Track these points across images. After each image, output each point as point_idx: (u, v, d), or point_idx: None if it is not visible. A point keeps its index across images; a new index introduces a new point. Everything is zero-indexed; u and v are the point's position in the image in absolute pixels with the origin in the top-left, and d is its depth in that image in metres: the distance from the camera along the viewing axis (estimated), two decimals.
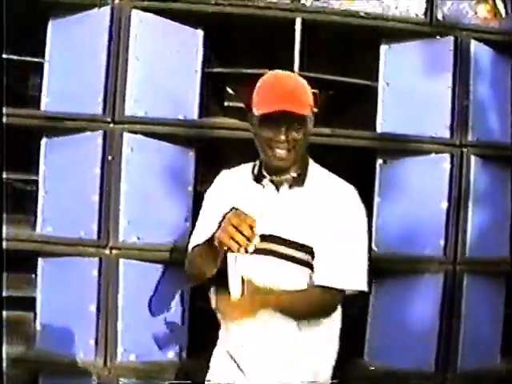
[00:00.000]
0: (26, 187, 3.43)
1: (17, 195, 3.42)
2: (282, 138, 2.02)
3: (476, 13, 3.20)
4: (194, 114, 3.24)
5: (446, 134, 3.22)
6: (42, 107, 3.20)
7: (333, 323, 2.16)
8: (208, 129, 3.22)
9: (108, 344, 3.13)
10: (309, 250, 2.05)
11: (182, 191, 3.24)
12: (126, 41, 3.10)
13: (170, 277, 3.17)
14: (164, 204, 3.19)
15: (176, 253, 3.12)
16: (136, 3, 3.10)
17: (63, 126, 3.13)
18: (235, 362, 2.14)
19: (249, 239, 1.82)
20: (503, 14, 3.23)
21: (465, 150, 3.21)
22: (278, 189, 2.11)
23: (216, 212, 2.01)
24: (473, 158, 3.22)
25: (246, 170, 2.20)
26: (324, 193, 2.10)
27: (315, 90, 2.11)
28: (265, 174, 2.12)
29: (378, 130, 3.26)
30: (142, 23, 3.12)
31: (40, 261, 3.22)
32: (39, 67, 3.23)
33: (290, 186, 2.10)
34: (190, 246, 2.20)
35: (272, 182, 2.11)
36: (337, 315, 2.17)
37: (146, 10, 3.12)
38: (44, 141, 3.21)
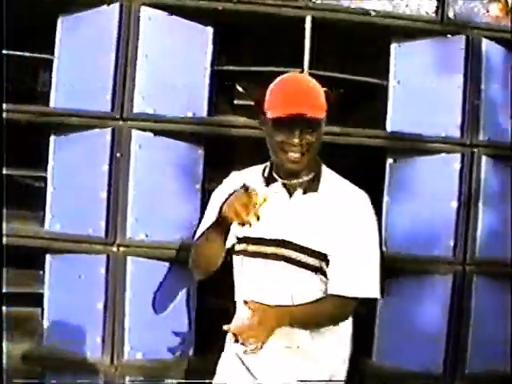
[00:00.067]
0: (35, 184, 3.43)
1: (25, 192, 3.43)
2: (296, 141, 2.00)
3: (488, 11, 3.17)
4: (203, 111, 3.23)
5: (457, 134, 3.20)
6: (51, 104, 3.19)
7: (344, 327, 2.15)
8: (217, 126, 3.21)
9: (115, 342, 3.12)
10: (322, 257, 2.04)
11: (191, 189, 3.23)
12: (134, 38, 3.09)
13: (177, 275, 3.16)
14: (172, 202, 3.18)
15: (184, 251, 3.11)
16: (145, 0, 3.09)
17: (72, 122, 3.13)
18: (244, 365, 2.12)
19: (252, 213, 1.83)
20: None
21: (475, 149, 3.19)
22: (290, 193, 2.09)
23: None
24: (483, 158, 3.19)
25: (256, 172, 2.18)
26: (337, 199, 2.08)
27: (326, 89, 2.09)
28: (276, 177, 2.10)
29: (388, 128, 3.23)
30: (151, 20, 3.11)
31: (48, 257, 3.21)
32: (49, 64, 3.22)
33: (304, 191, 2.08)
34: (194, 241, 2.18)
35: (284, 186, 2.09)
36: (348, 319, 2.17)
37: (155, 6, 3.10)
38: (53, 137, 3.20)
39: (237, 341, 1.95)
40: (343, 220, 2.05)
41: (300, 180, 2.08)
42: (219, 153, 3.32)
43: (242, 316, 1.95)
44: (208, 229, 2.05)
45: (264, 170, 2.16)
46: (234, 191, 1.91)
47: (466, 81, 3.18)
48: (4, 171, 2.90)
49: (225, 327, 1.98)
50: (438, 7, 3.14)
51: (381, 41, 3.23)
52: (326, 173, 2.13)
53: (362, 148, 3.20)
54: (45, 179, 3.21)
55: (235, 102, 3.65)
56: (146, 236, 3.16)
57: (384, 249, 3.11)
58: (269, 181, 2.11)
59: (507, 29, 3.19)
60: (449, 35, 3.17)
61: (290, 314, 2.02)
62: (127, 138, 3.13)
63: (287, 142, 2.01)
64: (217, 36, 3.24)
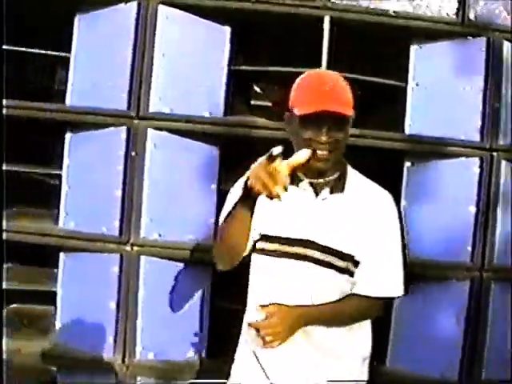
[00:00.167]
0: (50, 181, 3.44)
1: (40, 189, 3.44)
2: (324, 138, 1.95)
3: (509, 13, 3.13)
4: (219, 111, 3.21)
5: (476, 138, 3.16)
6: (67, 102, 3.19)
7: (365, 326, 2.13)
8: (233, 127, 3.20)
9: (127, 342, 3.13)
10: (348, 258, 2.01)
11: (206, 189, 3.22)
12: (151, 36, 3.09)
13: (190, 275, 3.15)
14: (187, 201, 3.17)
15: (197, 251, 3.10)
16: None
17: (87, 120, 3.13)
18: (260, 363, 2.10)
19: (281, 184, 1.72)
20: None
21: (495, 154, 3.15)
22: (316, 192, 2.06)
23: None
24: (503, 163, 3.15)
25: None
26: (363, 199, 2.05)
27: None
28: (300, 175, 2.07)
29: (407, 131, 3.21)
30: (168, 19, 3.10)
31: (62, 255, 3.22)
32: (66, 62, 3.22)
33: (331, 191, 2.05)
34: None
35: (311, 184, 2.07)
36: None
37: (172, 5, 3.10)
38: (68, 135, 3.21)
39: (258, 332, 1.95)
40: (369, 220, 2.03)
41: (327, 179, 2.04)
42: (235, 153, 3.30)
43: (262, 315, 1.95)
44: (233, 208, 1.96)
45: None
46: (259, 162, 1.82)
47: (487, 84, 3.13)
48: (17, 168, 2.91)
49: (248, 323, 1.98)
50: (458, 9, 3.10)
51: (400, 42, 3.19)
52: (352, 173, 2.10)
53: (379, 151, 3.16)
54: (60, 177, 3.22)
55: (252, 102, 3.64)
56: (160, 236, 3.15)
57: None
58: (294, 179, 2.07)
59: None
60: (469, 37, 3.13)
61: (311, 313, 2.00)
62: (143, 136, 3.12)
63: (315, 139, 1.96)
64: (234, 36, 3.23)
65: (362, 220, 2.02)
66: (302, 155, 1.81)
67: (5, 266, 3.45)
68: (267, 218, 1.99)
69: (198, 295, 3.18)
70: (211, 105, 3.19)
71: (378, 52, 3.26)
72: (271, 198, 1.74)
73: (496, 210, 3.15)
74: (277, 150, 1.74)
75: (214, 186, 3.23)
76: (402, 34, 3.16)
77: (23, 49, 3.22)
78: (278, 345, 1.95)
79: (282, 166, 1.73)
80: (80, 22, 3.16)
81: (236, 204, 1.90)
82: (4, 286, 3.21)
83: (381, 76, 3.18)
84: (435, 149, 3.17)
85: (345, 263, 2.01)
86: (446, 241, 3.14)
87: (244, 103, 3.56)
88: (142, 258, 3.14)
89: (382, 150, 3.17)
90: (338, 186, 2.05)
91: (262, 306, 1.95)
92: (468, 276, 3.16)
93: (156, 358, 3.14)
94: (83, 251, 3.16)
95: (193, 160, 3.19)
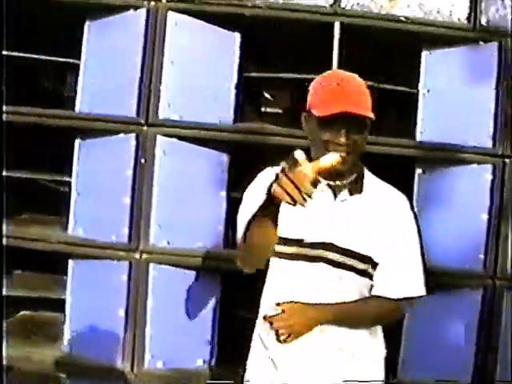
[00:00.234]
0: (59, 188, 3.44)
1: (49, 196, 3.44)
2: (343, 140, 1.93)
3: None
4: (229, 118, 3.20)
5: (489, 144, 3.13)
6: (77, 108, 3.19)
7: (379, 327, 2.11)
8: (243, 133, 3.18)
9: (135, 350, 3.11)
10: (367, 260, 2.00)
11: (215, 196, 3.21)
12: (161, 43, 3.09)
13: (199, 283, 3.14)
14: (196, 209, 3.15)
15: (207, 259, 3.09)
16: (172, 5, 3.08)
17: (97, 127, 3.13)
18: (274, 363, 2.07)
19: (304, 193, 1.69)
20: None
21: (507, 160, 3.11)
22: (335, 194, 2.05)
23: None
24: None
25: None
26: (381, 201, 2.05)
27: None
28: (318, 177, 2.04)
29: (418, 138, 3.18)
30: (177, 25, 3.10)
31: (70, 263, 3.21)
32: (76, 68, 3.22)
33: (350, 193, 2.03)
34: (241, 230, 2.04)
35: (329, 186, 2.05)
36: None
37: (182, 12, 3.09)
38: (78, 142, 3.20)
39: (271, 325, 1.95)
40: (388, 221, 2.02)
41: (345, 181, 2.03)
42: (245, 160, 3.28)
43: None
44: (256, 215, 1.92)
45: None
46: (283, 168, 1.79)
47: (499, 89, 3.10)
48: (27, 175, 2.91)
49: (263, 317, 1.97)
50: (470, 14, 3.07)
51: (411, 48, 3.17)
52: (368, 174, 2.09)
53: (390, 158, 3.14)
54: (69, 184, 3.22)
55: (262, 109, 3.63)
56: (169, 243, 3.14)
57: None
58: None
59: None
60: (481, 42, 3.10)
61: (328, 311, 1.99)
62: (152, 143, 3.12)
63: (333, 141, 1.94)
64: (244, 42, 3.22)
65: (380, 221, 2.02)
66: (328, 159, 1.74)
67: (14, 272, 3.47)
68: (286, 220, 1.96)
69: (207, 303, 3.16)
70: (221, 111, 3.18)
71: (389, 58, 3.24)
72: (294, 204, 1.71)
73: (509, 217, 3.11)
74: (299, 154, 1.70)
75: (223, 193, 3.22)
76: (412, 40, 3.14)
77: (33, 55, 3.23)
78: (291, 340, 1.94)
79: (307, 171, 1.69)
80: (90, 29, 3.17)
81: (259, 210, 1.87)
82: (13, 293, 3.22)
83: (391, 82, 3.16)
84: (447, 156, 3.14)
85: (364, 265, 2.00)
86: (458, 249, 3.11)
87: (254, 110, 3.55)
88: (151, 265, 3.12)
89: (393, 157, 3.14)
90: (356, 188, 2.04)
91: (278, 304, 1.95)
92: (480, 284, 3.12)
93: (165, 366, 3.12)
94: (92, 258, 3.15)
95: (202, 167, 3.18)
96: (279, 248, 2.03)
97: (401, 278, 2.03)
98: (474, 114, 3.12)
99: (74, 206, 3.19)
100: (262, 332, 2.09)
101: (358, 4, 3.09)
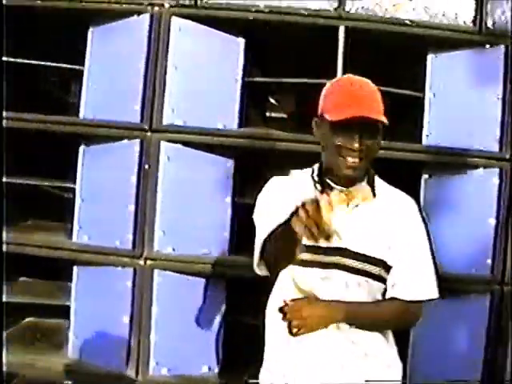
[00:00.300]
0: (64, 195, 3.43)
1: (54, 203, 3.44)
2: (356, 145, 1.90)
3: None
4: (233, 123, 3.19)
5: (495, 148, 3.10)
6: (81, 115, 3.19)
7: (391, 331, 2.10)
8: (248, 139, 3.17)
9: (140, 356, 3.10)
10: (380, 263, 1.99)
11: (220, 202, 3.19)
12: (164, 48, 3.08)
13: (205, 289, 3.12)
14: (200, 215, 3.14)
15: (212, 265, 3.07)
16: (175, 10, 3.07)
17: (101, 133, 3.13)
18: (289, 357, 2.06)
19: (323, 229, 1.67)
20: None
21: None
22: (348, 200, 2.03)
23: (280, 210, 1.89)
24: None
25: (303, 177, 2.10)
26: (392, 205, 2.03)
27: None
28: (330, 183, 2.03)
29: (424, 142, 3.16)
30: (181, 31, 3.09)
31: (75, 269, 3.21)
32: (80, 75, 3.22)
33: (363, 199, 2.02)
34: (261, 238, 2.01)
35: (342, 192, 2.01)
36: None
37: (185, 17, 3.08)
38: (82, 148, 3.20)
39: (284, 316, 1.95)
40: (400, 225, 2.01)
41: (357, 187, 2.01)
42: (250, 165, 3.27)
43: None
44: (278, 230, 1.91)
45: (313, 176, 2.08)
46: (303, 203, 1.78)
47: (505, 93, 3.08)
48: (31, 182, 2.91)
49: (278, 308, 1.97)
50: (475, 17, 3.05)
51: (417, 51, 3.15)
52: (378, 180, 2.08)
53: (396, 162, 3.11)
54: (73, 190, 3.21)
55: (267, 114, 3.61)
56: (173, 249, 3.13)
57: None
58: (324, 187, 2.03)
59: None
60: (487, 45, 3.08)
61: (343, 308, 1.97)
62: (156, 149, 3.11)
63: (346, 146, 1.92)
64: (248, 47, 3.21)
65: (392, 225, 2.01)
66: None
67: (19, 279, 3.47)
68: None
69: (212, 309, 3.14)
70: (225, 117, 3.17)
71: (394, 62, 3.22)
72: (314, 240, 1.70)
73: None
74: (325, 200, 1.68)
75: (228, 199, 3.20)
76: (418, 43, 3.12)
77: (37, 62, 3.23)
78: (302, 333, 1.93)
79: (325, 212, 1.66)
80: (93, 35, 3.16)
81: (280, 228, 1.87)
82: (18, 300, 3.22)
83: (397, 86, 3.14)
84: (453, 160, 3.12)
85: (378, 269, 1.99)
86: (465, 254, 3.08)
87: (259, 115, 3.54)
88: (156, 271, 3.11)
89: (399, 162, 3.12)
90: (368, 193, 2.02)
91: (286, 305, 1.96)
92: (488, 289, 3.10)
93: (170, 373, 3.11)
94: (97, 265, 3.15)
95: (207, 173, 3.16)
96: None
97: (415, 280, 2.02)
98: (480, 118, 3.10)
99: (78, 213, 3.19)
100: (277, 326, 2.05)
101: (362, 8, 3.06)
